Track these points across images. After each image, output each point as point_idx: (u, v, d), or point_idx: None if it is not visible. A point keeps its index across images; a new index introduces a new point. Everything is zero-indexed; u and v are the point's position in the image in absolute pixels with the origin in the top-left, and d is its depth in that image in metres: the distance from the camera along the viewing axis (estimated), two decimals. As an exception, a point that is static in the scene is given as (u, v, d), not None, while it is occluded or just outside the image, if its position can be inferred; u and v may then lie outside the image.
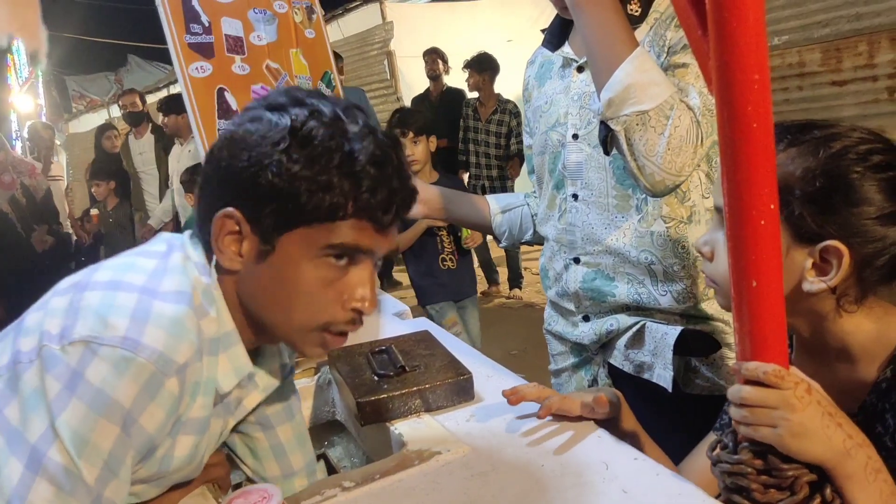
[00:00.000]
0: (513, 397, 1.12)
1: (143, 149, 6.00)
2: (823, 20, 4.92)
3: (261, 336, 0.97)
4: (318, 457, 1.38)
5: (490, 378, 1.30)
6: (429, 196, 1.61)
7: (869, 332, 0.96)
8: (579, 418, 1.12)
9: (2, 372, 0.83)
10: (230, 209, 0.90)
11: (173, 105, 5.19)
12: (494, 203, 1.72)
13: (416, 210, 1.58)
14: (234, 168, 0.89)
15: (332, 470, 1.38)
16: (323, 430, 1.46)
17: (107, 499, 0.82)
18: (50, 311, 0.85)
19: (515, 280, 6.02)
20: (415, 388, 1.18)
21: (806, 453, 0.82)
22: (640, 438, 1.17)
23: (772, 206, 0.77)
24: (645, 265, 1.40)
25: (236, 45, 2.00)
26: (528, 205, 1.71)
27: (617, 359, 1.47)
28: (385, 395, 1.17)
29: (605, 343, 1.49)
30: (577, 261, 1.48)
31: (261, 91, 2.01)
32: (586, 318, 1.50)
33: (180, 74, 1.88)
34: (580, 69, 1.45)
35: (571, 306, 1.52)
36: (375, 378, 1.22)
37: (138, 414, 0.82)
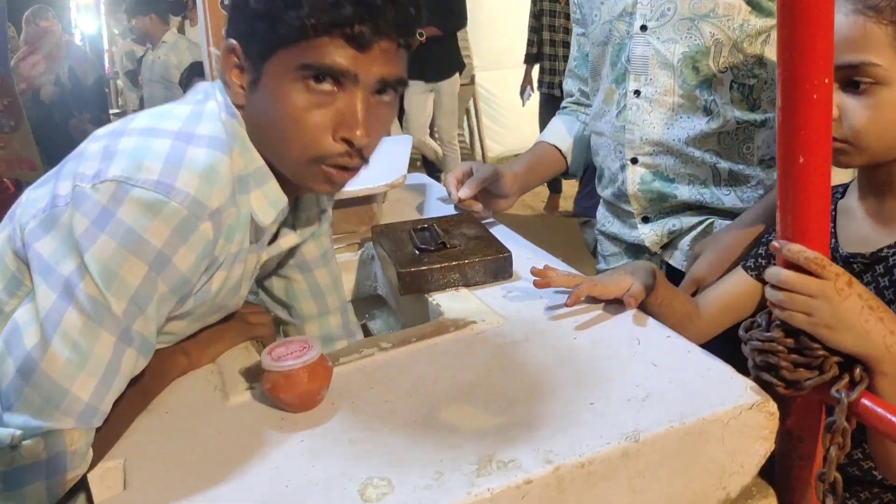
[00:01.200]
0: (540, 280, 1.11)
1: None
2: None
3: (280, 180, 0.97)
4: (360, 327, 1.42)
5: (530, 259, 1.32)
6: (516, 186, 1.54)
7: None
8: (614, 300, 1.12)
9: (38, 214, 0.87)
10: (232, 41, 0.93)
11: (141, 4, 4.87)
12: (560, 142, 1.64)
13: (504, 205, 1.55)
14: (236, 2, 0.92)
15: (371, 339, 1.42)
16: (364, 303, 1.50)
17: (136, 332, 0.85)
18: (86, 155, 0.87)
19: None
20: (454, 263, 1.20)
21: (840, 345, 0.82)
22: (677, 307, 1.15)
23: (826, 80, 0.75)
24: (709, 165, 1.36)
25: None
26: (583, 122, 1.64)
27: (677, 259, 1.44)
28: (425, 268, 1.19)
29: (666, 244, 1.46)
30: (634, 161, 1.43)
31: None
32: (646, 220, 1.47)
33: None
34: None
35: (629, 207, 1.47)
36: (416, 252, 1.24)
37: (171, 254, 0.84)
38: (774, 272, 0.85)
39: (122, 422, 0.90)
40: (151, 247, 0.82)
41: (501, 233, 1.44)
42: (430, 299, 1.19)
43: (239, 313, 1.12)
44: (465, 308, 1.14)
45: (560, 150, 1.63)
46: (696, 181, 1.38)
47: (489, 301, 1.16)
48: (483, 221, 1.47)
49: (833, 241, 1.02)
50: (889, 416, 0.78)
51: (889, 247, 0.97)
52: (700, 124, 1.34)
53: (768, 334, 0.86)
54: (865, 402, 0.80)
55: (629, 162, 1.44)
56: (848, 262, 0.99)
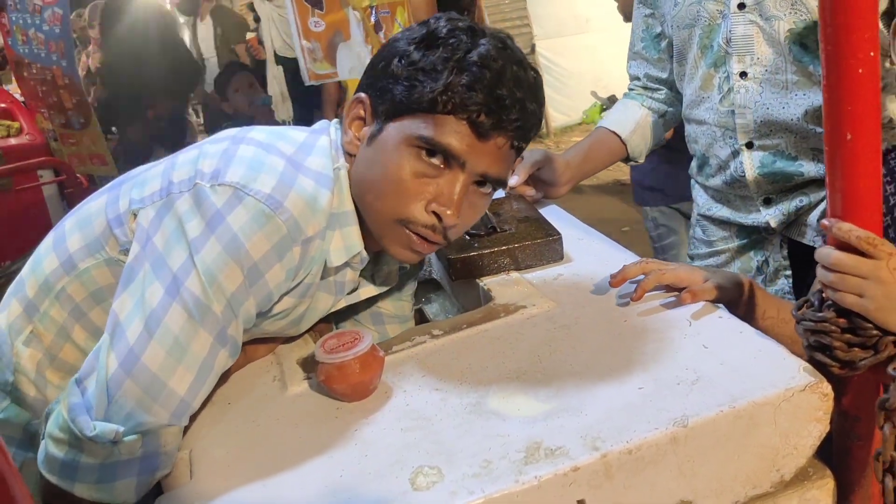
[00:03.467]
0: (616, 280, 1.09)
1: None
2: None
3: (366, 237, 1.01)
4: (416, 311, 1.44)
5: (581, 241, 1.31)
6: (569, 175, 1.52)
7: None
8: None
9: (154, 198, 0.93)
10: (363, 94, 0.99)
11: None
12: (620, 128, 1.59)
13: (562, 190, 1.52)
14: (376, 60, 0.99)
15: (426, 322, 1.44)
16: (421, 287, 1.51)
17: (230, 334, 0.90)
18: (205, 153, 0.93)
19: None
20: (504, 247, 1.21)
21: (892, 325, 0.80)
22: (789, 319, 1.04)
23: (871, 54, 0.73)
24: None
25: None
26: (648, 108, 1.60)
27: (807, 235, 1.39)
28: (475, 253, 1.20)
29: (792, 221, 1.41)
30: (749, 145, 1.38)
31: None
32: (767, 201, 1.41)
33: None
34: None
35: (747, 192, 1.42)
36: (467, 237, 1.25)
37: (266, 269, 0.89)
38: (826, 253, 0.83)
39: None
40: (250, 257, 0.87)
41: (552, 213, 1.44)
42: (480, 284, 1.20)
43: None
44: (515, 292, 1.14)
45: (620, 137, 1.58)
46: (821, 154, 1.33)
47: (539, 285, 1.16)
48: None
49: None
50: (947, 396, 0.76)
51: None
52: (817, 98, 1.28)
53: (821, 314, 0.84)
54: (922, 380, 0.78)
55: (744, 147, 1.38)
56: None
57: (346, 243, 1.00)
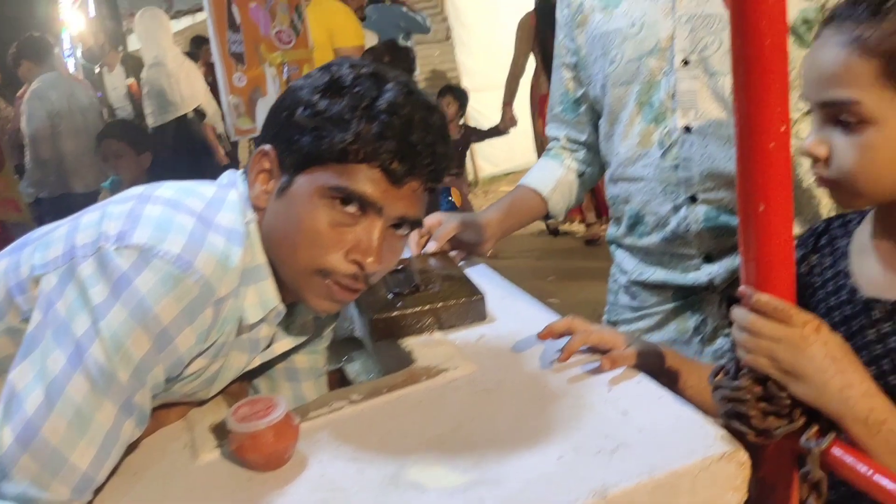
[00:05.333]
0: (543, 334, 1.08)
1: None
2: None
3: (281, 288, 0.99)
4: (336, 371, 1.41)
5: (505, 300, 1.31)
6: (490, 232, 1.51)
7: None
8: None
9: (58, 263, 0.88)
10: (267, 146, 0.96)
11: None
12: (541, 186, 1.59)
13: (485, 248, 1.52)
14: (278, 110, 0.96)
15: (347, 384, 1.41)
16: (342, 345, 1.48)
17: (136, 403, 0.86)
18: (109, 214, 0.89)
19: None
20: (428, 307, 1.19)
21: (798, 394, 0.81)
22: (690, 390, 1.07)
23: (782, 129, 0.75)
24: None
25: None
26: (568, 167, 1.61)
27: None
28: (398, 313, 1.18)
29: (735, 279, 1.40)
30: (693, 199, 1.37)
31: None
32: (709, 258, 1.40)
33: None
34: None
35: (688, 249, 1.41)
36: (390, 295, 1.23)
37: (176, 333, 0.85)
38: (741, 314, 0.84)
39: None
40: (159, 322, 0.83)
41: (477, 271, 1.43)
42: (403, 345, 1.18)
43: None
44: (438, 354, 1.12)
45: (541, 195, 1.58)
46: None
47: (462, 345, 1.15)
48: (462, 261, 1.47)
49: (851, 280, 0.96)
50: (859, 466, 0.77)
51: None
52: None
53: (736, 382, 0.85)
54: (835, 451, 0.79)
55: (687, 201, 1.38)
56: (868, 307, 0.93)
57: (262, 298, 0.97)
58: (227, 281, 0.89)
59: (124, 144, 3.41)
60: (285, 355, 1.15)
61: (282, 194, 0.94)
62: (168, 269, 0.83)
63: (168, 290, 0.83)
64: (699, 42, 1.31)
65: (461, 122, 5.21)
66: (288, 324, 1.08)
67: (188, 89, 5.17)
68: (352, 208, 0.92)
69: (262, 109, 2.19)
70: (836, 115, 0.87)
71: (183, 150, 4.93)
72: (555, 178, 1.60)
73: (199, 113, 5.35)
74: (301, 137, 0.92)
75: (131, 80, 5.81)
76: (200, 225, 0.88)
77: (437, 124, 0.94)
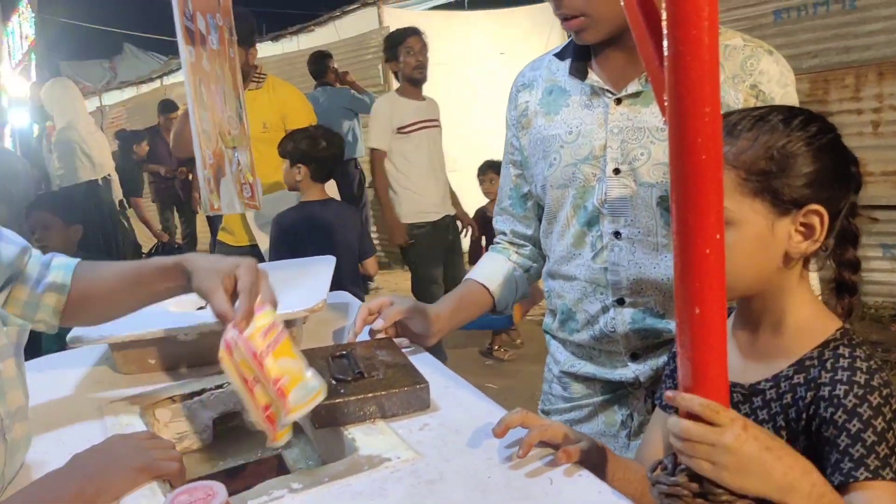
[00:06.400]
0: (499, 430, 1.08)
1: None
2: (813, 51, 4.99)
3: None
4: (274, 458, 1.38)
5: (448, 388, 1.32)
6: (438, 327, 1.53)
7: (807, 314, 1.04)
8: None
9: None
10: None
11: None
12: (489, 281, 1.62)
13: (431, 341, 1.53)
14: None
15: (286, 471, 1.38)
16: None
17: None
18: None
19: None
20: (370, 395, 1.19)
21: (745, 489, 0.84)
22: (632, 479, 1.12)
23: (717, 237, 0.80)
24: None
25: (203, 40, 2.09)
26: (514, 262, 1.65)
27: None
28: (340, 400, 1.18)
29: (658, 377, 1.42)
30: (621, 302, 1.41)
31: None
32: (634, 356, 1.44)
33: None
34: (619, 101, 1.38)
35: (615, 347, 1.45)
36: (333, 382, 1.23)
37: None
38: (674, 422, 0.87)
39: None
40: None
41: (420, 358, 1.44)
42: (345, 432, 1.17)
43: (145, 449, 1.08)
44: (380, 442, 1.12)
45: (488, 290, 1.62)
46: None
47: (405, 434, 1.15)
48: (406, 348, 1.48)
49: None
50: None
51: (766, 380, 1.03)
52: None
53: (674, 479, 0.87)
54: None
55: (615, 303, 1.42)
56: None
57: None
58: None
59: (53, 216, 3.35)
60: None
61: None
62: None
63: None
64: (629, 153, 1.37)
65: None
66: None
67: (98, 156, 5.55)
68: None
69: (225, 190, 2.18)
70: None
71: (93, 214, 5.20)
72: (502, 273, 1.64)
73: (107, 181, 5.76)
74: None
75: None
76: None
77: None
